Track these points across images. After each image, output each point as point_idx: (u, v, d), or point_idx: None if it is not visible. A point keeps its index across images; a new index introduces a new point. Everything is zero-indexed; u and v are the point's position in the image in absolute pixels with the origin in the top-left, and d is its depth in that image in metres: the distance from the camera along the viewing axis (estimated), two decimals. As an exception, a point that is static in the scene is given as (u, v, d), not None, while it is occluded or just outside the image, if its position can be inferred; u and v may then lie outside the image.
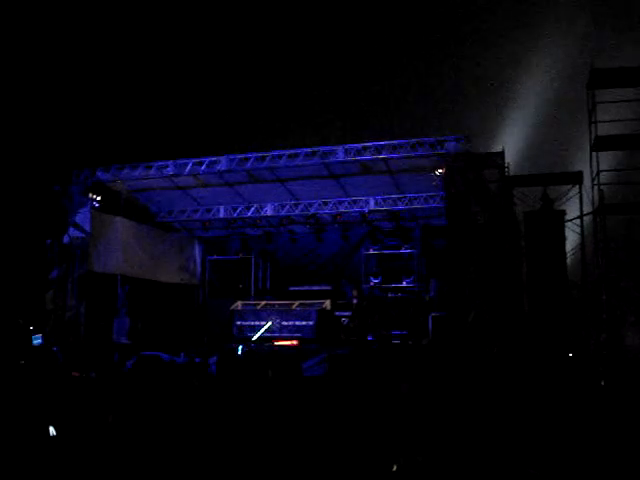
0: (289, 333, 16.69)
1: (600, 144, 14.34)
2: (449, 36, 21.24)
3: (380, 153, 14.84)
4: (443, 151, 14.33)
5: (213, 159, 16.05)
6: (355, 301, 17.71)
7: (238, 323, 17.53)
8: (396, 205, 17.14)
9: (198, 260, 20.91)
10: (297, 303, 17.43)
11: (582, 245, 15.42)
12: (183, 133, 21.41)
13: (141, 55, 21.21)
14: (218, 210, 18.64)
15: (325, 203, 17.81)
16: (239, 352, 12.44)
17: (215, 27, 22.20)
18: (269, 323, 14.85)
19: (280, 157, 15.54)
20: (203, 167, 16.11)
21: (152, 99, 21.26)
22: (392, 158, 14.91)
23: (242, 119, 22.36)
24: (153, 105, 21.21)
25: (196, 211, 18.86)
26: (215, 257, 20.97)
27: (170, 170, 16.32)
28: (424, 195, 16.64)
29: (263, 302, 18.28)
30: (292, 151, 15.51)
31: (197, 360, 11.41)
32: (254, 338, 16.53)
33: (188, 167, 16.19)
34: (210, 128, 21.75)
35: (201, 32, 22.04)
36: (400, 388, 7.08)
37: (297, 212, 18.18)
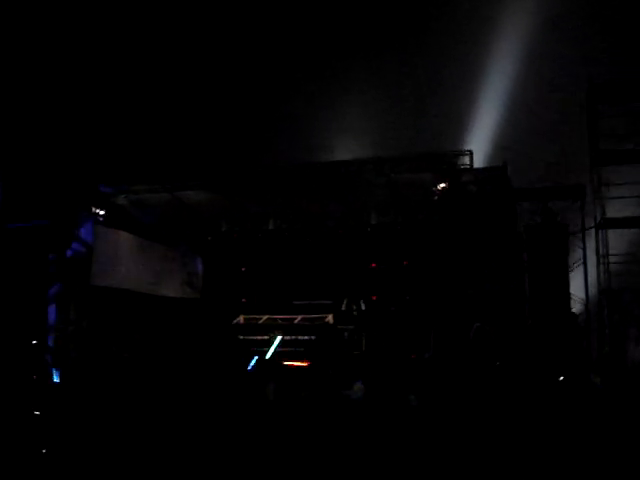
0: (292, 347, 16.60)
1: (601, 158, 14.36)
2: (445, 43, 21.41)
3: (383, 167, 14.90)
4: (445, 166, 14.40)
5: (218, 174, 16.16)
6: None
7: (241, 337, 17.44)
8: (398, 219, 17.12)
9: (201, 274, 20.83)
10: (300, 317, 17.35)
11: (584, 259, 15.40)
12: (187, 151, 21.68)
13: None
14: (220, 224, 18.67)
15: (328, 217, 17.79)
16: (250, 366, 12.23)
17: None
18: (279, 337, 14.60)
19: (281, 171, 15.61)
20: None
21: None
22: (395, 172, 14.96)
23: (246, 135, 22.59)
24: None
25: (199, 225, 18.86)
26: (218, 271, 20.87)
27: (177, 184, 16.45)
28: (427, 209, 16.62)
29: (265, 316, 18.19)
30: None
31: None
32: (267, 356, 16.28)
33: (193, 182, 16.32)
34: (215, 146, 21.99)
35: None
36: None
37: (300, 226, 18.16)
